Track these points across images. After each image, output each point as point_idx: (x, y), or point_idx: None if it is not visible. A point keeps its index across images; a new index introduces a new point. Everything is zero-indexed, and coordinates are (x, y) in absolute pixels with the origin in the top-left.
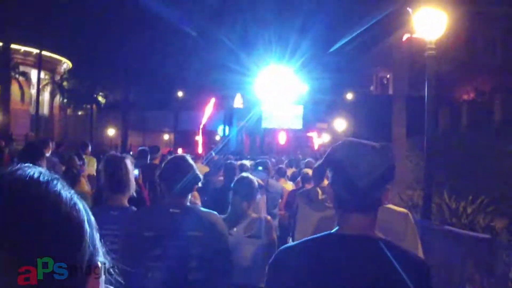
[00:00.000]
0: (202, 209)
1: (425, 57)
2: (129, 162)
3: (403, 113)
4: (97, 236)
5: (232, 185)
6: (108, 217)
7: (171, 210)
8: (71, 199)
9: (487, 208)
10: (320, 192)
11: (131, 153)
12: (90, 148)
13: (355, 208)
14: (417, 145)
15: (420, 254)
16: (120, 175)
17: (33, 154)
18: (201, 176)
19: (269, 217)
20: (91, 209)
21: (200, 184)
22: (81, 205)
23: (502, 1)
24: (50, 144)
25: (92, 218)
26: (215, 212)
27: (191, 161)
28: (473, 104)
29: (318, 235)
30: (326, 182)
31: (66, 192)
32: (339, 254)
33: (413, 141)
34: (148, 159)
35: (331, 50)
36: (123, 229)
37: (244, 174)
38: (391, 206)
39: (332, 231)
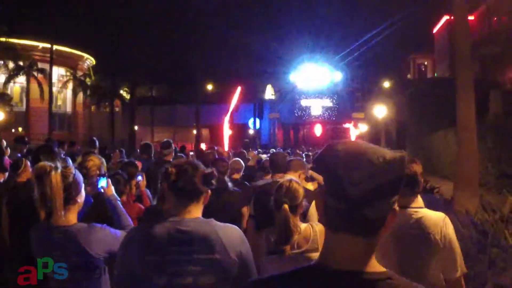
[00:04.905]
0: (219, 223)
1: None
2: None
3: (471, 91)
4: None
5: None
6: (52, 240)
7: (178, 227)
8: None
9: None
10: None
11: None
12: (97, 145)
13: (344, 225)
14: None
15: (461, 263)
16: (45, 190)
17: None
18: (215, 173)
19: (320, 225)
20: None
21: (214, 182)
22: None
23: None
24: (96, 144)
25: None
26: (236, 226)
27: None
28: None
29: (296, 268)
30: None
31: None
32: None
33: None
34: (152, 155)
35: (365, 38)
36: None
37: (286, 179)
38: (425, 211)
39: (313, 262)
